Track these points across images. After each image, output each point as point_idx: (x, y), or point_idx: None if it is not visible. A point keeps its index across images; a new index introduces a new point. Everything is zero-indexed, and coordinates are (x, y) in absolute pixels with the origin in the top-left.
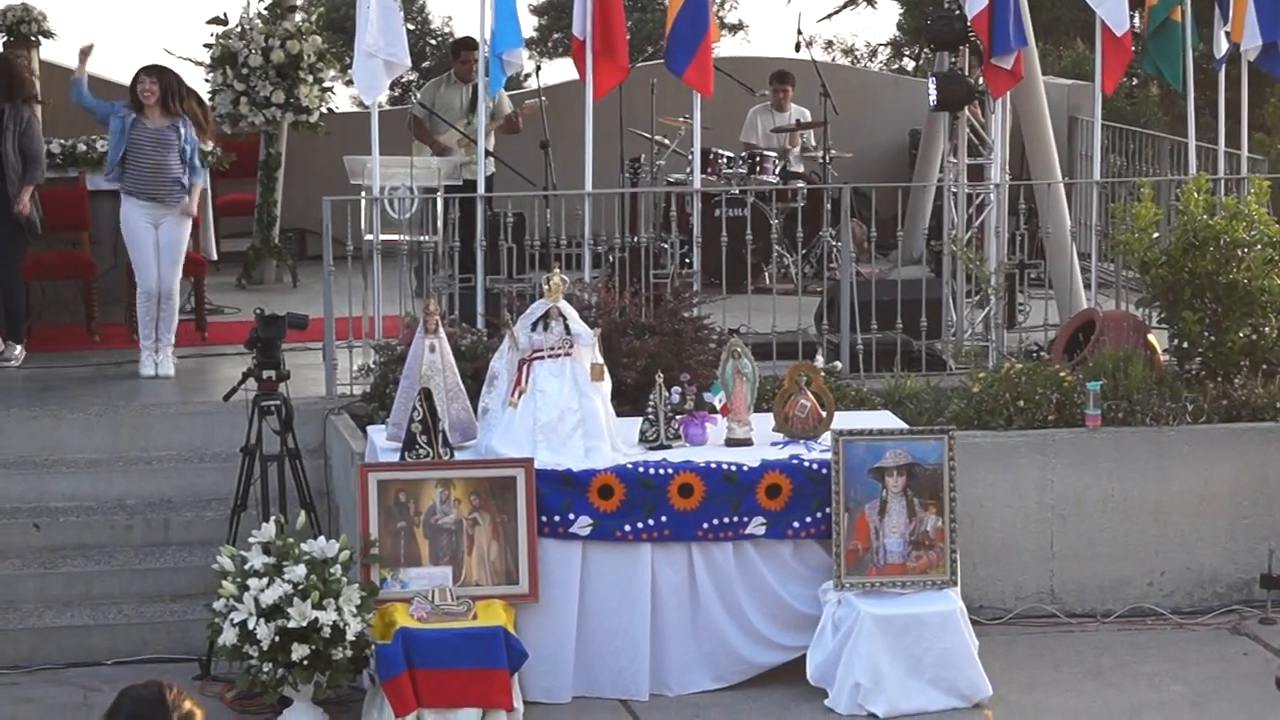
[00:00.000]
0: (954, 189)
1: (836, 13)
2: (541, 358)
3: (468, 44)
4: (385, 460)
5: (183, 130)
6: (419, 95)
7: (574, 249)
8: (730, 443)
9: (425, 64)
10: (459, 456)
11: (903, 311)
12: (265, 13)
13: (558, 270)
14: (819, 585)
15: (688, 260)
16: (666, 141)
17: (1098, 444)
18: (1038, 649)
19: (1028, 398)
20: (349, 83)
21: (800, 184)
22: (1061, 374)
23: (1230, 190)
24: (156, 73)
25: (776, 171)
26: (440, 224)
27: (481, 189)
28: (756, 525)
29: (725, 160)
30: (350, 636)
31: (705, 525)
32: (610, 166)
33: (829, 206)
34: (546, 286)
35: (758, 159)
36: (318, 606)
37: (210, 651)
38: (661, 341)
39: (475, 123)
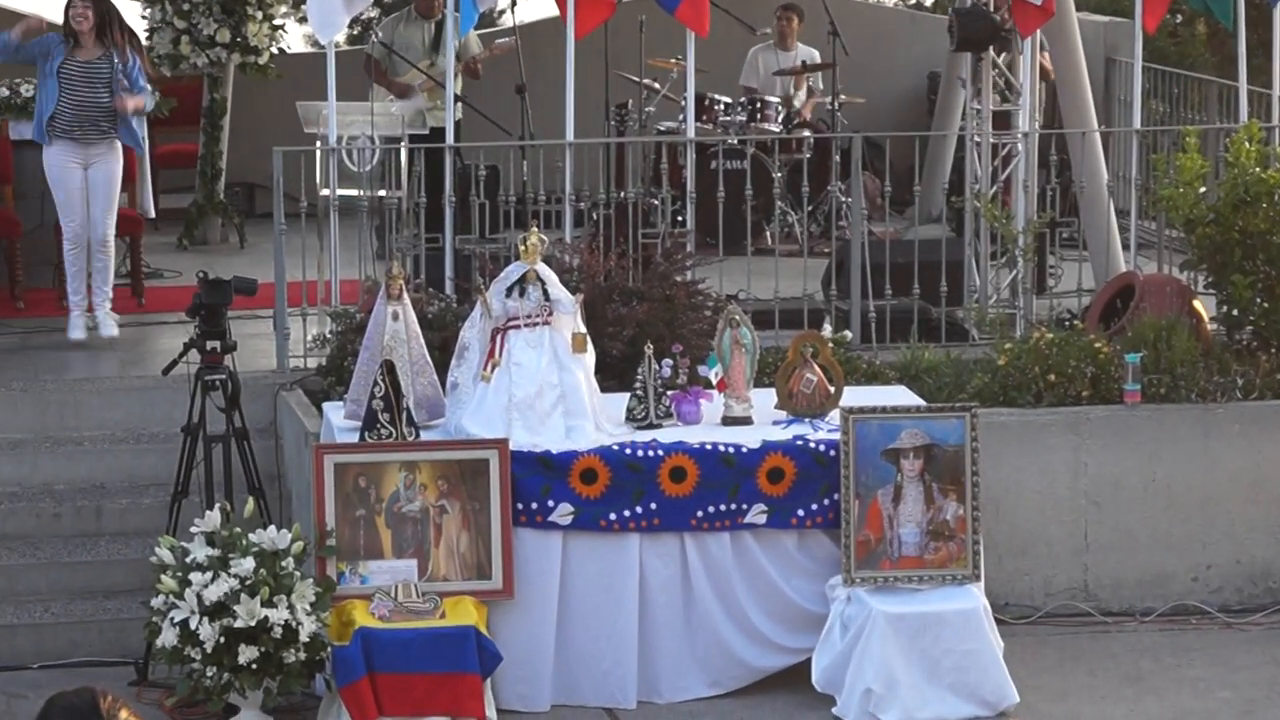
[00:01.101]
0: (977, 138)
1: None
2: (517, 327)
3: None
4: (343, 441)
5: (115, 59)
6: (379, 33)
7: (553, 205)
8: (727, 421)
9: None
10: (425, 437)
11: (920, 275)
12: None
13: (535, 229)
14: (826, 580)
15: (680, 218)
16: (657, 86)
17: (1137, 423)
18: (1070, 651)
19: (1059, 371)
20: (302, 20)
21: (806, 133)
22: (1097, 345)
23: None
24: None
25: (780, 119)
26: (404, 177)
27: (451, 138)
28: (757, 513)
29: (722, 107)
30: (304, 637)
31: (700, 513)
32: (594, 113)
33: (838, 158)
34: (523, 247)
35: (759, 105)
36: (267, 604)
37: (148, 654)
38: (651, 309)
39: (440, 64)
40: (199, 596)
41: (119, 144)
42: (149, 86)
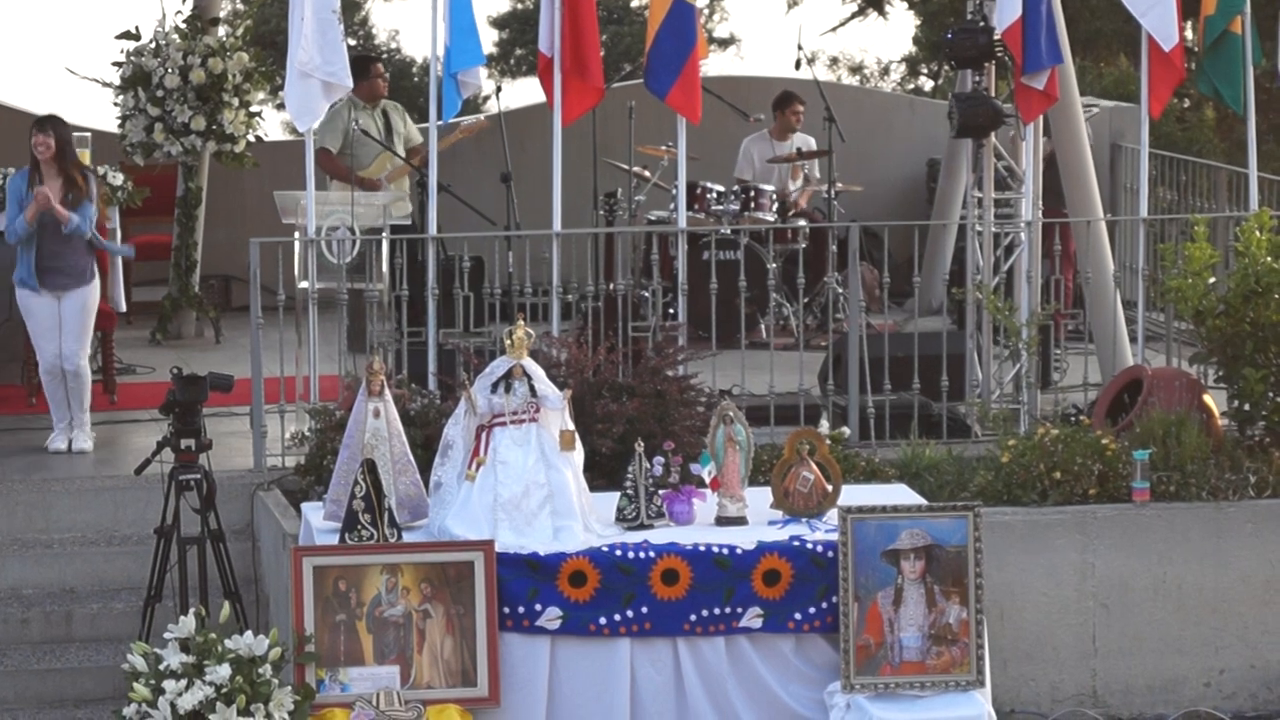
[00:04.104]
0: (979, 227)
1: (843, 25)
2: (503, 424)
3: (374, 59)
4: (322, 543)
5: (71, 195)
6: (357, 123)
7: (540, 298)
8: (721, 521)
9: None
10: (407, 538)
11: (920, 369)
12: (183, 26)
13: (521, 323)
14: (824, 686)
15: (672, 311)
16: (647, 174)
17: (1146, 522)
18: None
19: (1065, 469)
20: (280, 106)
21: (802, 222)
22: (1104, 441)
23: None
24: (51, 125)
25: (774, 208)
26: (386, 269)
27: (433, 229)
28: (752, 617)
29: (715, 195)
30: None
31: (693, 617)
32: (582, 203)
33: (835, 248)
34: (509, 341)
35: (753, 194)
36: (244, 713)
37: None
38: (642, 405)
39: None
40: (173, 705)
41: (96, 278)
42: (88, 218)
